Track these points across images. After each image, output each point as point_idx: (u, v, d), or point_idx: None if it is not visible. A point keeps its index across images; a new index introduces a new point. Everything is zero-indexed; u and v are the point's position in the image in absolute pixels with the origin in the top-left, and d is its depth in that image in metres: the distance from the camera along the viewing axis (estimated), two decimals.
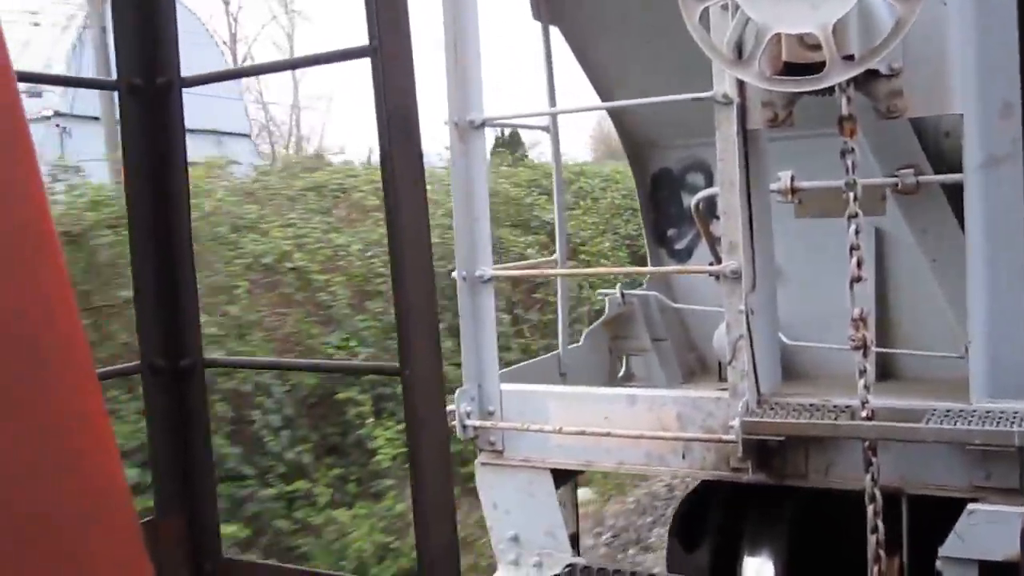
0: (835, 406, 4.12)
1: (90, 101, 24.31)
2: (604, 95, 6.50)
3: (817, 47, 3.59)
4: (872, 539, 3.84)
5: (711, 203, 5.40)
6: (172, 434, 3.05)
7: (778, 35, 3.65)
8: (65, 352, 0.74)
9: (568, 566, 3.81)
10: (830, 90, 3.73)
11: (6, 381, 0.71)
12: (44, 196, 0.75)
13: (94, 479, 0.77)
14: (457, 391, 4.76)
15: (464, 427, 4.78)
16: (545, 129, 6.03)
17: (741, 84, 4.05)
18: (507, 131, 25.34)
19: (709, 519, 5.47)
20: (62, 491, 0.75)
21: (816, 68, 3.63)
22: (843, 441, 4.11)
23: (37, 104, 29.35)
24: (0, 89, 0.73)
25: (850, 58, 3.62)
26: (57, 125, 30.81)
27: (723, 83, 4.11)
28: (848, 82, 3.69)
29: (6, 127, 0.74)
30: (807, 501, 4.81)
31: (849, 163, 3.77)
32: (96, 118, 22.17)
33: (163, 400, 3.02)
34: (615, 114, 6.86)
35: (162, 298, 3.03)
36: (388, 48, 2.32)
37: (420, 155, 2.45)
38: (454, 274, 4.79)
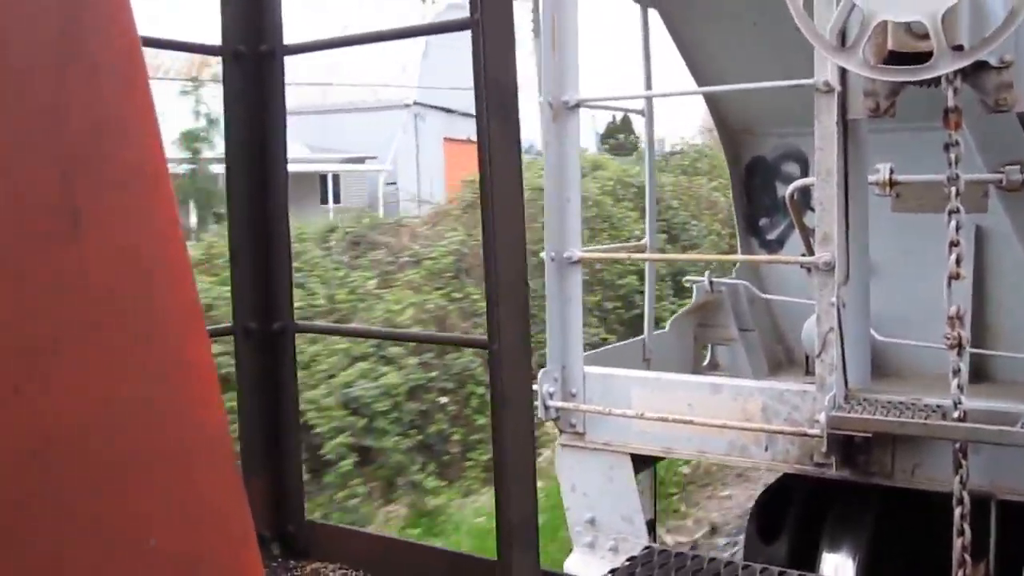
0: (926, 405, 4.03)
1: None
2: (701, 80, 6.42)
3: (925, 36, 3.49)
4: (958, 543, 3.75)
5: (806, 193, 5.31)
6: (261, 396, 3.11)
7: (884, 23, 3.57)
8: (175, 294, 0.76)
9: (646, 548, 3.79)
10: (936, 81, 3.63)
11: (118, 318, 0.73)
12: (159, 137, 0.77)
13: (198, 427, 0.79)
14: (540, 371, 4.76)
15: (546, 408, 4.78)
16: (641, 112, 5.99)
17: (843, 72, 3.96)
18: (618, 115, 25.26)
19: (789, 512, 5.40)
20: (166, 436, 0.77)
21: (922, 58, 3.54)
22: (932, 441, 4.03)
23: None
24: (121, 35, 0.75)
25: (959, 48, 3.52)
26: None
27: (824, 71, 4.03)
28: (956, 73, 3.59)
29: (126, 74, 0.76)
30: (891, 500, 4.73)
31: (952, 157, 3.67)
32: None
33: (254, 362, 3.08)
34: (711, 100, 6.78)
35: (257, 263, 3.09)
36: (489, 21, 2.32)
37: (517, 129, 2.45)
38: (542, 255, 4.79)
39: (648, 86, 6.07)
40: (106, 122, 0.74)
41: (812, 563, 4.88)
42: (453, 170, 27.17)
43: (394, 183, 31.59)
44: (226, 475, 0.79)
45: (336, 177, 31.90)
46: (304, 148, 29.06)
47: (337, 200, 31.17)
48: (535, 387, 4.69)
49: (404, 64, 31.37)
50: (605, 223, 15.23)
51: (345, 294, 11.12)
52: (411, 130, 32.95)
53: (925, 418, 3.92)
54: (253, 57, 2.97)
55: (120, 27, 0.75)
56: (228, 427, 0.82)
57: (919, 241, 5.30)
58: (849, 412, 4.07)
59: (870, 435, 4.07)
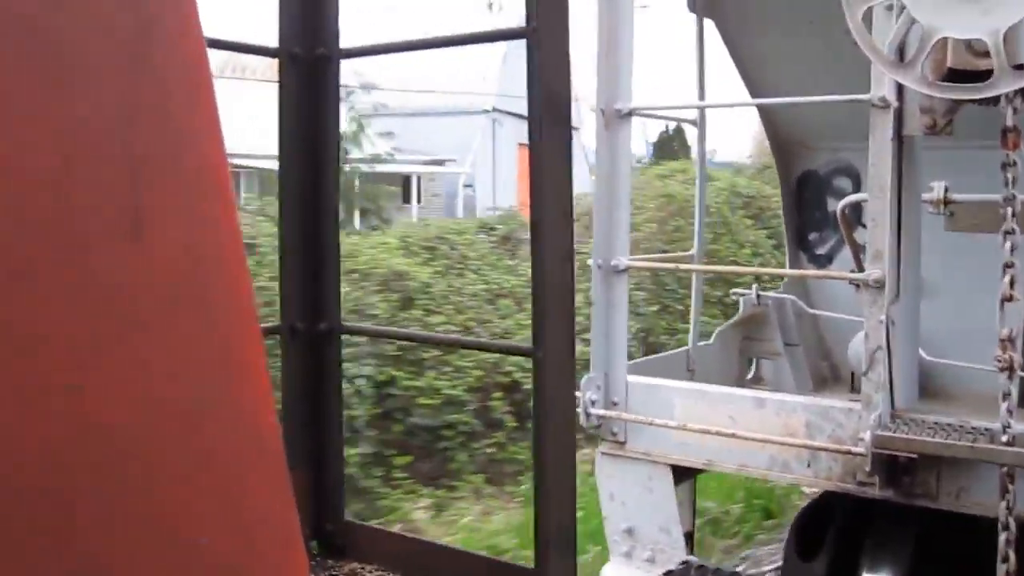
0: (973, 428, 3.97)
1: None
2: (755, 92, 6.39)
3: (985, 54, 3.45)
4: (1002, 569, 3.69)
5: (857, 209, 5.26)
6: (306, 395, 3.14)
7: (944, 39, 3.53)
8: (232, 296, 0.77)
9: (683, 562, 3.77)
10: (995, 100, 3.59)
11: (175, 317, 0.74)
12: (222, 141, 0.78)
13: (251, 428, 0.80)
14: (584, 378, 4.75)
15: (588, 415, 4.77)
16: (693, 123, 5.96)
17: (900, 88, 3.92)
18: (671, 126, 25.25)
19: (829, 530, 5.34)
20: (218, 436, 0.78)
21: (982, 76, 3.49)
22: (979, 465, 3.96)
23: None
24: (189, 40, 0.77)
25: (1020, 67, 3.47)
26: None
27: (882, 86, 3.99)
28: (1016, 92, 3.54)
29: (193, 78, 0.78)
30: (934, 522, 4.66)
31: (1009, 177, 3.62)
32: None
33: (300, 361, 3.11)
34: (764, 112, 6.74)
35: (306, 264, 3.12)
36: (545, 30, 2.33)
37: (570, 138, 2.46)
38: (589, 262, 4.79)
39: (701, 96, 6.05)
40: (173, 125, 0.75)
41: None
42: (526, 176, 27.68)
43: (471, 185, 32.56)
44: (276, 477, 0.80)
45: (419, 178, 33.35)
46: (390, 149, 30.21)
47: (419, 200, 32.81)
48: (577, 394, 4.68)
49: (485, 69, 31.93)
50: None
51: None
52: (489, 135, 33.53)
53: (972, 441, 3.86)
54: (309, 60, 3.00)
55: (189, 33, 0.76)
56: (279, 429, 0.83)
57: (972, 261, 5.22)
58: (895, 432, 4.02)
59: (915, 456, 4.01)
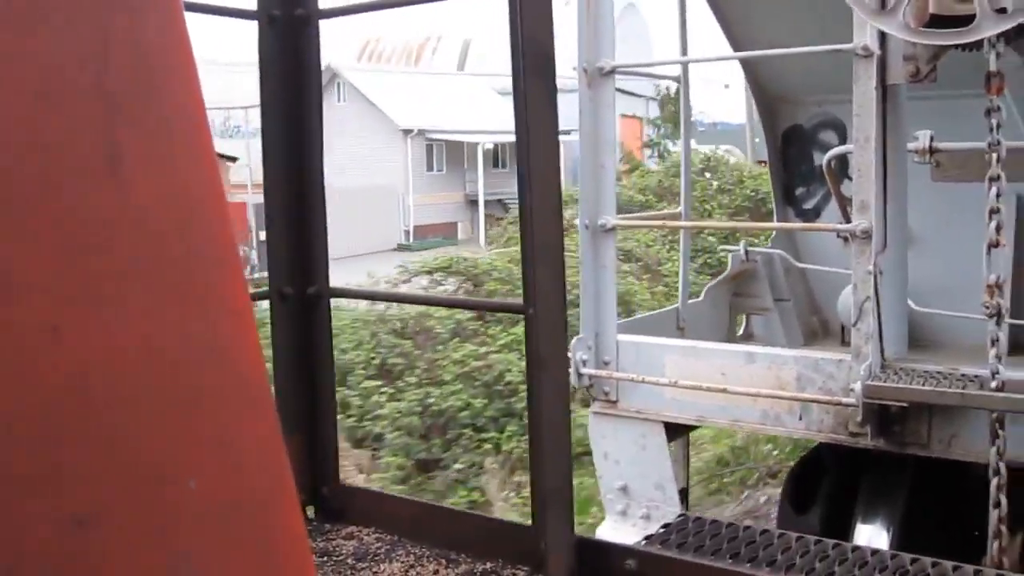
0: (963, 375, 3.99)
1: None
2: (738, 48, 6.35)
3: None
4: (994, 514, 3.72)
5: (843, 162, 5.25)
6: (296, 360, 3.13)
7: None
8: (214, 236, 0.76)
9: (680, 515, 3.80)
10: (978, 45, 3.57)
11: (158, 258, 0.73)
12: (199, 83, 0.77)
13: (237, 368, 0.79)
14: (574, 339, 4.75)
15: (579, 375, 4.77)
16: (676, 79, 5.93)
17: (883, 36, 3.91)
18: (671, 87, 25.32)
19: (823, 482, 5.38)
20: (204, 376, 0.77)
21: (965, 21, 3.48)
22: (969, 412, 3.98)
23: None
24: (173, 22, 0.76)
25: (1002, 11, 3.45)
26: None
27: (864, 35, 3.97)
28: (999, 36, 3.52)
29: (166, 15, 0.76)
30: (926, 471, 4.69)
31: (994, 123, 3.62)
32: None
33: (290, 326, 3.10)
34: (748, 67, 6.71)
35: (292, 228, 3.10)
36: None
37: (554, 91, 2.43)
38: (575, 222, 4.78)
39: (684, 53, 6.01)
40: (147, 62, 0.74)
41: (845, 533, 4.86)
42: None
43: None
44: (264, 417, 0.80)
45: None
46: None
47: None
48: (568, 355, 4.68)
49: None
50: None
51: None
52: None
53: (962, 388, 3.88)
54: (288, 21, 2.96)
55: None
56: (265, 369, 0.82)
57: (958, 212, 5.23)
58: (885, 381, 4.04)
59: (906, 405, 4.03)
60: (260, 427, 0.79)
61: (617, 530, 4.84)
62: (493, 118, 38.56)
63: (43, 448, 0.68)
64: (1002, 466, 3.69)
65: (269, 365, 3.07)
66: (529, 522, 2.79)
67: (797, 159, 6.72)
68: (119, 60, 0.72)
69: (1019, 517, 4.07)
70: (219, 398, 0.77)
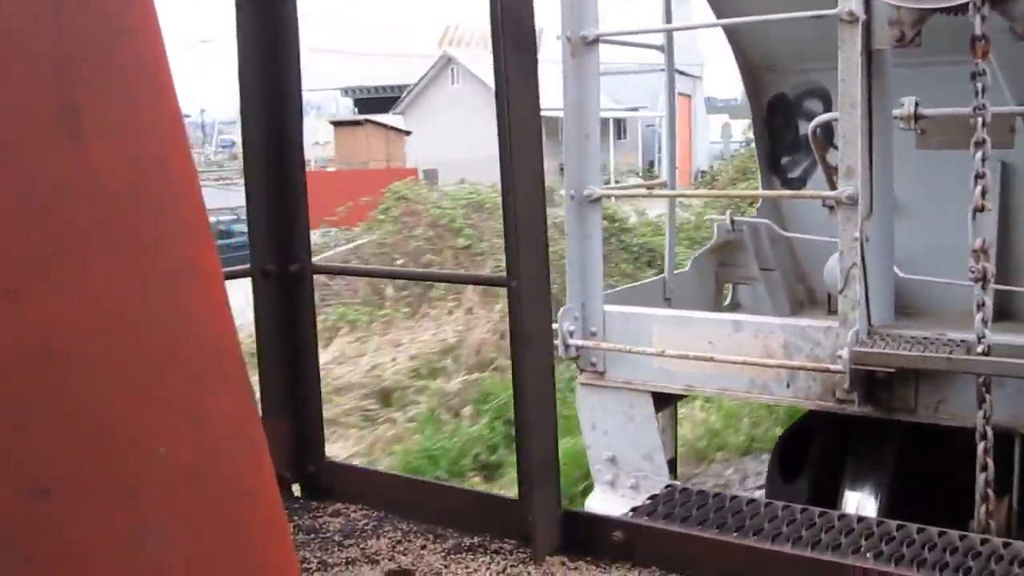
0: (949, 340, 4.00)
1: None
2: (720, 15, 6.31)
3: None
4: (981, 478, 3.73)
5: (829, 130, 5.23)
6: (280, 338, 3.11)
7: None
8: (182, 198, 0.74)
9: (668, 486, 3.80)
10: (963, 8, 3.56)
11: (123, 221, 0.71)
12: (161, 38, 0.74)
13: (207, 334, 0.77)
14: (561, 310, 4.74)
15: (567, 346, 4.76)
16: (660, 48, 5.89)
17: (868, 1, 3.88)
18: None
19: (811, 450, 5.39)
20: (173, 342, 0.76)
21: None
22: (956, 376, 3.99)
23: None
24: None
25: None
26: None
27: (849, 0, 3.95)
28: (983, 0, 3.51)
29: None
30: (913, 437, 4.71)
31: (979, 87, 3.60)
32: None
33: (272, 304, 3.08)
34: (732, 36, 6.66)
35: (273, 205, 3.07)
36: None
37: (535, 61, 2.41)
38: (561, 192, 4.75)
39: (668, 21, 5.97)
40: (104, 22, 0.72)
41: (834, 501, 4.88)
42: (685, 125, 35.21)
43: (651, 125, 43.09)
44: (235, 383, 0.78)
45: (620, 122, 44.33)
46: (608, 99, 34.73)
47: (622, 137, 44.69)
48: (554, 326, 4.67)
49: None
50: None
51: None
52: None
53: (949, 353, 3.89)
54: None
55: None
56: (237, 334, 0.80)
57: (943, 180, 5.22)
58: (872, 347, 4.04)
59: (893, 370, 4.04)
60: (232, 395, 0.77)
61: (606, 501, 4.85)
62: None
63: (4, 415, 0.66)
64: (989, 430, 3.70)
65: (252, 342, 3.05)
66: (516, 496, 2.79)
67: (782, 128, 6.69)
68: (73, 20, 0.69)
69: (1006, 481, 4.08)
70: (188, 365, 0.75)
